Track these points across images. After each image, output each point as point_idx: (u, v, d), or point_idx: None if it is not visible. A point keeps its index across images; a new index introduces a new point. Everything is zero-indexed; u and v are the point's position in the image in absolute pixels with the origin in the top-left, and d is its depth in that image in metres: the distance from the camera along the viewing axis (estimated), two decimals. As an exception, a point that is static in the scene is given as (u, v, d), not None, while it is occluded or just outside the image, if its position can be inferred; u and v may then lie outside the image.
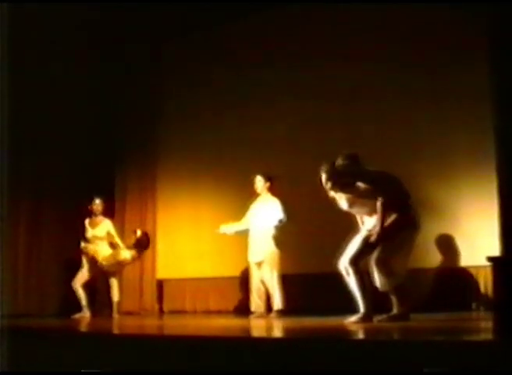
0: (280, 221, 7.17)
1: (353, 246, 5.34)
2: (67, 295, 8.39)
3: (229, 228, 7.49)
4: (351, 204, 5.39)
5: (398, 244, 5.18)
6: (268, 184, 7.36)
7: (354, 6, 7.68)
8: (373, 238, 5.19)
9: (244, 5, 8.10)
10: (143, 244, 8.15)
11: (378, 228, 5.19)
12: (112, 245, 8.15)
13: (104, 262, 7.99)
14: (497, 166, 6.66)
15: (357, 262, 5.27)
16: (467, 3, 6.83)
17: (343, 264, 5.30)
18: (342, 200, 5.41)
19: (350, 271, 5.25)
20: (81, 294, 8.05)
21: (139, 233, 8.12)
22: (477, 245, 6.84)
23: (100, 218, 8.21)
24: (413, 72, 7.37)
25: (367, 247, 5.25)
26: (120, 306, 8.35)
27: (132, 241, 8.10)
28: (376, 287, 5.22)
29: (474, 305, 6.89)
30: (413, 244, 5.30)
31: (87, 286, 8.14)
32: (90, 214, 8.20)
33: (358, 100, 7.72)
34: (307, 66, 8.06)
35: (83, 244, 8.10)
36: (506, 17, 6.53)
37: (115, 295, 8.16)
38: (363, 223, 5.49)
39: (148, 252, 9.21)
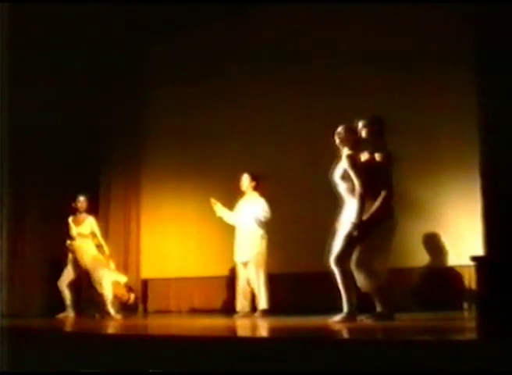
0: (264, 218, 7.18)
1: (337, 245, 5.26)
2: (51, 295, 8.33)
3: (221, 210, 7.39)
4: (344, 176, 5.28)
5: (377, 243, 5.12)
6: (253, 183, 7.36)
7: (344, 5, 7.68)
8: (355, 233, 5.11)
9: (226, 5, 8.06)
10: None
11: (356, 220, 5.10)
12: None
13: (88, 263, 7.93)
14: (481, 165, 6.68)
15: (341, 261, 5.17)
16: (455, 3, 6.85)
17: (331, 264, 5.24)
18: (339, 169, 5.32)
19: (336, 271, 5.18)
20: (67, 294, 8.00)
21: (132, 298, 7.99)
22: (461, 244, 6.85)
23: (84, 215, 8.15)
24: (397, 68, 7.35)
25: (350, 244, 5.15)
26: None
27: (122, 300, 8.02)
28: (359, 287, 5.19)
29: (458, 305, 6.90)
30: (392, 241, 5.25)
31: (71, 285, 8.08)
32: (75, 212, 8.15)
33: (346, 96, 7.69)
34: (292, 63, 8.05)
35: (68, 242, 8.05)
36: (493, 16, 6.57)
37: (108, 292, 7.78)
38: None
39: (132, 252, 9.17)
